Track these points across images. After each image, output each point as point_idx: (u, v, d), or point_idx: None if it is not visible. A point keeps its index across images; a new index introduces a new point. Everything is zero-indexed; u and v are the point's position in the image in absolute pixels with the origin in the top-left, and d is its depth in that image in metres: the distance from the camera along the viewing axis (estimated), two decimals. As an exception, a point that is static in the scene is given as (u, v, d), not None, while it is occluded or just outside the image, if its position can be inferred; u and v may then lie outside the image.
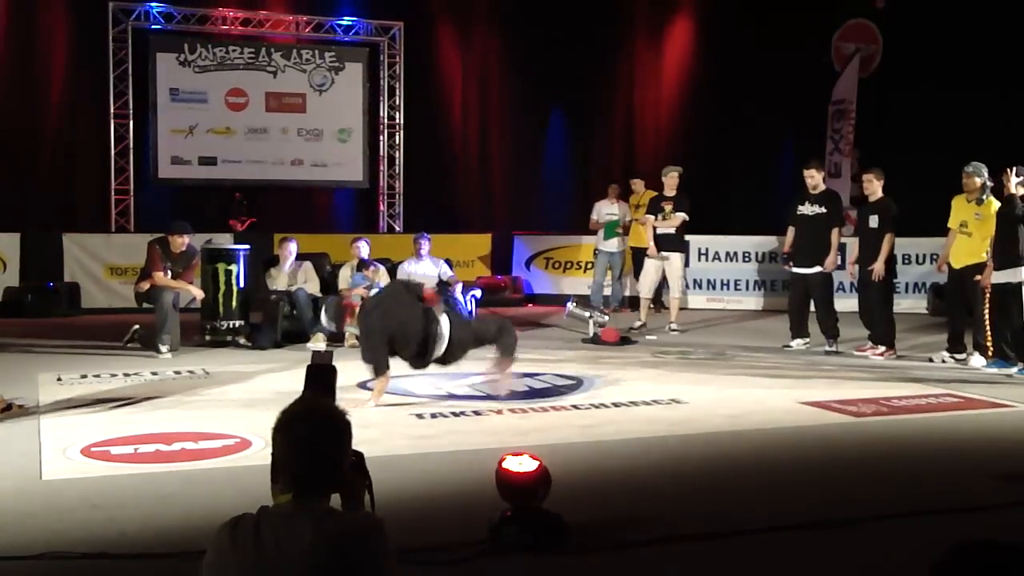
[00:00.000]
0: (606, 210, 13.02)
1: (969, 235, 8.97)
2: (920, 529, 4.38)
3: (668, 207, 10.97)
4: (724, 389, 7.67)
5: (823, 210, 9.76)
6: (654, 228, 11.04)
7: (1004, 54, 14.08)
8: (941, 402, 7.27)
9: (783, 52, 15.47)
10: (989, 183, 8.85)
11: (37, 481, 4.96)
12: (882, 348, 9.41)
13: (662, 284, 11.38)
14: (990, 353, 8.70)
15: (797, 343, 9.86)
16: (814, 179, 9.86)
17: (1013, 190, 8.38)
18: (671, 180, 11.05)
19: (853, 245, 10.04)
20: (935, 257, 10.38)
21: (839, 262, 10.03)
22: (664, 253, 10.99)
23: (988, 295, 8.57)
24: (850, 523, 4.41)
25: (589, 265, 14.05)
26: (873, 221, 9.38)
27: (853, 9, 16.00)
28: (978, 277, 8.67)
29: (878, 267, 9.24)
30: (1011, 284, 8.40)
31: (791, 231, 10.03)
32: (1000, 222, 8.51)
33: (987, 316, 8.64)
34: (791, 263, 10.05)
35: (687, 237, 11.81)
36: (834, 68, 15.86)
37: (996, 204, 8.75)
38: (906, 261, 11.24)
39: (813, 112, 15.60)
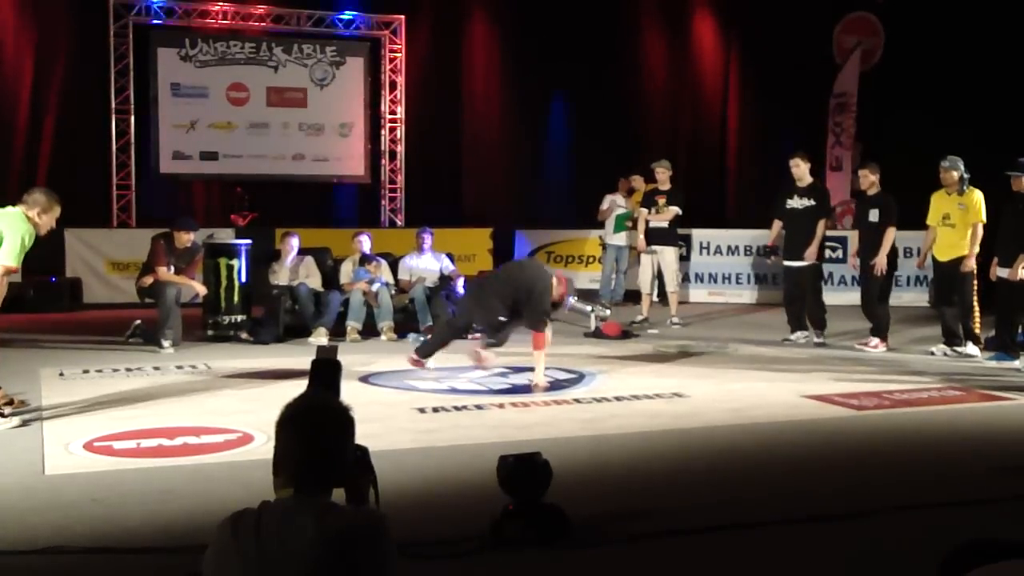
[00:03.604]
0: (619, 202, 12.91)
1: (953, 227, 9.01)
2: (922, 522, 4.38)
3: (662, 201, 11.00)
4: (726, 383, 7.68)
5: (811, 203, 9.75)
6: (646, 222, 11.07)
7: (1006, 47, 14.04)
8: (942, 395, 7.28)
9: (785, 45, 15.45)
10: (966, 175, 8.92)
11: (40, 476, 4.97)
12: (876, 340, 9.42)
13: (662, 278, 11.37)
14: (981, 341, 8.88)
15: (797, 336, 9.86)
16: (799, 169, 9.80)
17: None
18: (662, 174, 11.08)
19: (854, 238, 10.02)
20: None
21: (839, 254, 9.98)
22: (654, 247, 11.01)
23: (975, 283, 8.75)
24: (852, 516, 4.42)
25: (591, 259, 14.03)
26: (873, 215, 9.38)
27: (854, 3, 15.97)
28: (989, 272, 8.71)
29: (880, 261, 9.23)
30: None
31: (776, 224, 10.04)
32: (1014, 219, 8.52)
33: (975, 303, 8.87)
34: (774, 256, 10.07)
35: (685, 231, 11.77)
36: (835, 61, 15.85)
37: (978, 193, 8.87)
38: (907, 254, 11.23)
39: (814, 105, 15.58)
